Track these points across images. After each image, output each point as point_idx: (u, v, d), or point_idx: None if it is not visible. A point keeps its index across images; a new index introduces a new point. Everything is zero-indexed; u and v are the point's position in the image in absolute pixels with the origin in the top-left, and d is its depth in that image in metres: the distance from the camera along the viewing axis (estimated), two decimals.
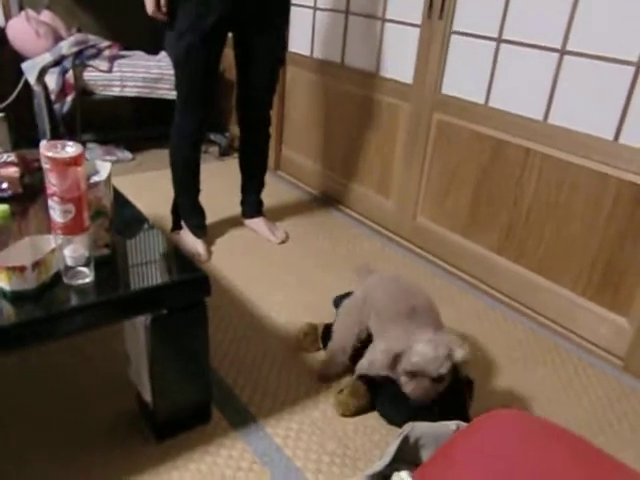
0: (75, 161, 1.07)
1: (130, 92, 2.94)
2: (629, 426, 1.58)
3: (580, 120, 1.82)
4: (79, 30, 3.01)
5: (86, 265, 1.20)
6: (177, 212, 2.36)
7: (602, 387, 1.72)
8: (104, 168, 1.28)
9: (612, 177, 1.76)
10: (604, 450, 0.78)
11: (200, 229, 2.33)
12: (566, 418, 1.57)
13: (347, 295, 1.72)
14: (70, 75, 2.75)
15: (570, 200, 1.88)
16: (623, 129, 1.73)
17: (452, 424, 1.14)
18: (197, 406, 1.44)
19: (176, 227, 2.38)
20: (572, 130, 1.84)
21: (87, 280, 1.20)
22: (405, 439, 1.08)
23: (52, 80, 2.72)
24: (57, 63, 2.73)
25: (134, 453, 1.35)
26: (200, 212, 2.35)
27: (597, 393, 1.70)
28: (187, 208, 2.33)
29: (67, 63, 2.73)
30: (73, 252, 1.17)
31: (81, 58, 2.78)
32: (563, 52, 1.82)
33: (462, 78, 2.16)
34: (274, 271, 2.22)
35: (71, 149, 1.08)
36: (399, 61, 2.39)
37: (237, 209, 2.56)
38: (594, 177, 1.80)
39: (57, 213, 1.11)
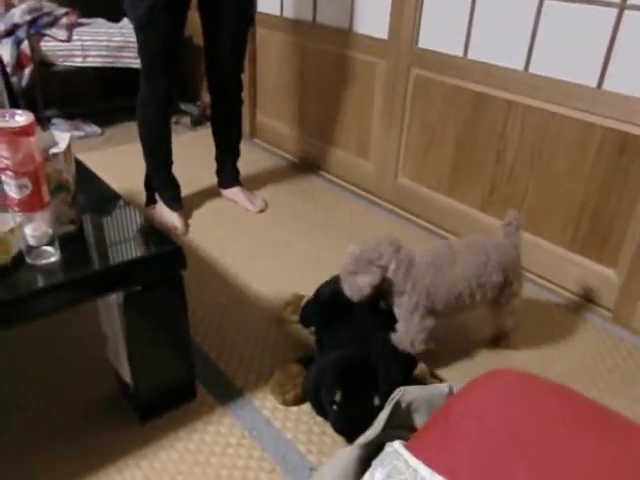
0: (26, 131, 0.99)
1: (93, 62, 2.80)
2: (620, 376, 1.57)
3: (562, 68, 1.76)
4: None
5: (50, 244, 1.12)
6: (150, 186, 2.27)
7: (592, 339, 1.71)
8: (63, 139, 1.20)
9: (596, 125, 1.71)
10: (603, 405, 0.75)
11: (175, 202, 2.25)
12: (558, 372, 1.56)
13: (331, 282, 1.55)
14: (26, 45, 2.60)
15: (554, 151, 1.83)
16: (607, 75, 1.67)
17: (444, 386, 1.10)
18: (181, 384, 1.39)
19: (150, 201, 2.29)
20: (554, 79, 1.78)
21: (52, 259, 1.12)
22: (397, 404, 1.04)
23: (6, 51, 2.57)
24: (10, 33, 2.57)
25: (118, 435, 1.30)
26: (174, 184, 2.27)
27: (587, 346, 1.68)
28: (160, 181, 2.24)
29: (21, 33, 2.57)
30: (34, 230, 1.09)
31: (36, 27, 2.62)
32: None
33: (439, 31, 2.07)
34: (254, 241, 2.16)
35: (21, 118, 1.00)
36: (373, 16, 2.29)
37: (213, 179, 2.48)
38: (578, 126, 1.75)
39: (12, 189, 1.03)
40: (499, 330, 1.62)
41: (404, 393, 1.09)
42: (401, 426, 1.08)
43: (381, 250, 1.37)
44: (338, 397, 1.26)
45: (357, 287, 1.38)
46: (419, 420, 1.09)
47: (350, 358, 1.32)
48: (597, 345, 1.69)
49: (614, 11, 1.60)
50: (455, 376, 1.52)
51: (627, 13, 1.58)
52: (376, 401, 1.25)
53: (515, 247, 1.52)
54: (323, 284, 1.59)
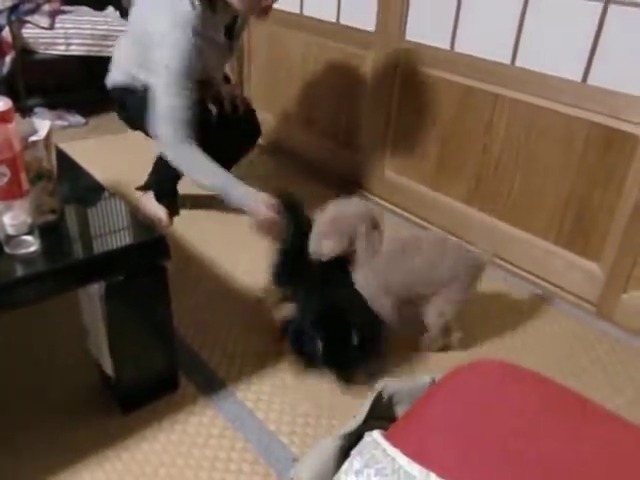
0: (3, 117, 0.97)
1: (77, 50, 2.76)
2: (602, 368, 1.58)
3: (548, 62, 1.76)
4: None
5: (30, 233, 1.10)
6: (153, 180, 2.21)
7: (576, 333, 1.72)
8: (43, 127, 1.18)
9: (582, 120, 1.71)
10: (585, 396, 0.76)
11: (172, 209, 2.19)
12: (541, 365, 1.56)
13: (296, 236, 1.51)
14: (6, 32, 2.54)
15: (540, 145, 1.84)
16: (592, 70, 1.67)
17: (427, 378, 1.10)
18: (163, 375, 1.38)
19: (147, 187, 2.24)
20: (540, 73, 1.78)
21: (32, 249, 1.11)
22: (378, 396, 1.04)
23: None
24: None
25: (99, 427, 1.29)
26: (175, 194, 2.21)
27: (571, 339, 1.70)
28: (165, 189, 2.18)
29: (1, 19, 2.52)
30: (13, 219, 1.08)
31: (17, 13, 2.57)
32: None
33: (426, 23, 2.07)
34: (238, 232, 2.14)
35: None
36: (360, 8, 2.28)
37: None
38: (564, 120, 1.76)
39: None
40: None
41: (386, 385, 1.09)
42: (383, 418, 1.08)
43: (356, 226, 1.39)
44: (320, 346, 1.34)
45: (321, 249, 1.41)
46: (401, 412, 1.09)
47: (325, 309, 1.39)
48: (580, 338, 1.70)
49: (599, 5, 1.60)
50: (437, 368, 1.52)
51: (612, 7, 1.58)
52: (355, 340, 1.35)
53: (478, 262, 1.51)
54: (288, 240, 1.55)
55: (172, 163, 1.74)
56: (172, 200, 2.20)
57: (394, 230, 2.19)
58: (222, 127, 1.99)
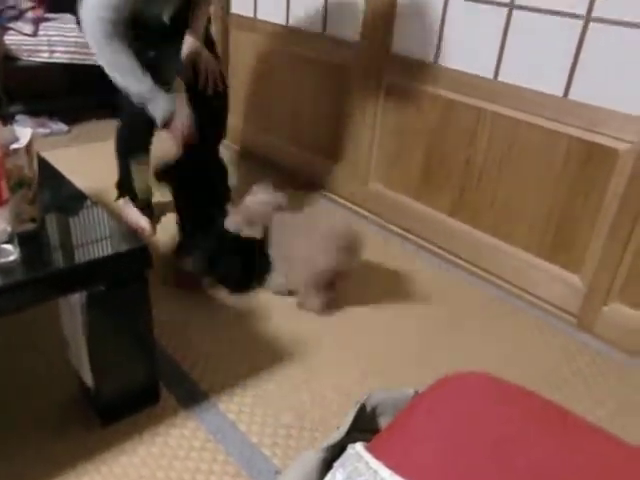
0: None
1: (60, 58, 2.74)
2: (583, 380, 1.59)
3: (530, 77, 1.79)
4: None
5: (9, 241, 1.09)
6: (122, 187, 2.21)
7: (557, 344, 1.74)
8: (24, 135, 1.16)
9: (563, 134, 1.74)
10: (566, 408, 0.76)
11: (146, 211, 2.19)
12: (523, 377, 1.56)
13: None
14: None
15: (522, 158, 1.86)
16: (572, 85, 1.70)
17: (410, 389, 1.10)
18: (144, 387, 1.36)
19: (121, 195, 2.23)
20: (522, 87, 1.81)
21: (11, 258, 1.09)
22: (362, 408, 1.03)
23: None
24: None
25: (78, 440, 1.27)
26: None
27: (552, 350, 1.71)
28: (132, 189, 2.17)
29: None
30: None
31: (0, 20, 2.55)
32: (512, 6, 1.77)
33: (411, 37, 2.09)
34: None
35: None
36: (346, 20, 2.30)
37: None
38: (545, 134, 1.78)
39: None
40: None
41: (369, 397, 1.09)
42: (366, 430, 1.08)
43: (266, 212, 1.78)
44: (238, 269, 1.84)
45: (234, 226, 1.78)
46: (384, 424, 1.08)
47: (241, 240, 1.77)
48: (561, 350, 1.71)
49: (580, 22, 1.63)
50: (420, 379, 1.52)
51: (592, 25, 1.61)
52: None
53: (346, 241, 1.74)
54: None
55: (99, 60, 1.68)
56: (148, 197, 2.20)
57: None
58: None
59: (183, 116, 1.74)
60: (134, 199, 2.17)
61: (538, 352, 1.70)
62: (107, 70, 1.67)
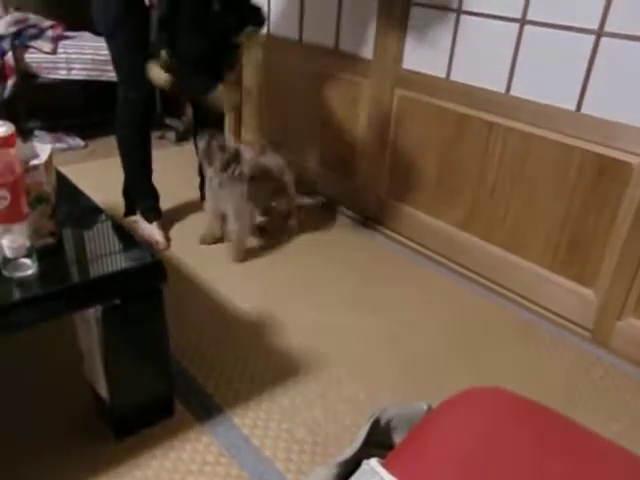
0: (6, 142, 0.98)
1: (78, 75, 2.79)
2: (597, 394, 1.58)
3: (542, 91, 1.79)
4: (17, 9, 2.83)
5: (28, 256, 1.11)
6: (129, 195, 2.26)
7: (571, 359, 1.72)
8: (44, 151, 1.19)
9: (576, 148, 1.74)
10: (581, 424, 0.76)
11: (152, 211, 2.23)
12: (537, 391, 1.55)
13: None
14: (9, 57, 2.58)
15: (534, 173, 1.86)
16: (585, 99, 1.70)
17: (424, 404, 1.09)
18: (158, 400, 1.37)
19: (129, 212, 2.27)
20: (535, 102, 1.81)
21: (29, 272, 1.11)
22: (376, 422, 1.03)
23: None
24: None
25: (92, 453, 1.28)
26: (153, 193, 2.25)
27: (566, 364, 1.69)
28: (138, 189, 2.22)
29: (5, 44, 2.56)
30: (12, 242, 1.08)
31: (21, 39, 2.61)
32: (524, 22, 1.78)
33: (423, 52, 2.11)
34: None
35: (1, 129, 0.99)
36: (358, 36, 2.33)
37: (196, 194, 2.47)
38: (558, 148, 1.78)
39: None
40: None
41: (383, 411, 1.09)
42: (380, 444, 1.07)
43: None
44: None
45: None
46: (398, 438, 1.08)
47: None
48: (575, 364, 1.70)
49: (592, 38, 1.64)
50: (433, 395, 1.52)
51: (604, 40, 1.62)
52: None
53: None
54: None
55: None
56: (153, 201, 2.24)
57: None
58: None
59: None
60: (143, 209, 2.23)
61: (552, 366, 1.68)
62: None
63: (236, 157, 2.00)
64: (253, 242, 2.22)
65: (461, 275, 2.13)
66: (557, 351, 1.75)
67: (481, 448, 0.69)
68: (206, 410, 1.42)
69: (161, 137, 3.19)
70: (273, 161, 2.24)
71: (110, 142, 3.08)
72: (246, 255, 2.12)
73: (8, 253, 1.08)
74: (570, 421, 0.75)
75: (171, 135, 3.26)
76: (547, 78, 1.77)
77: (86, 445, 1.30)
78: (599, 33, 1.62)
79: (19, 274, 1.10)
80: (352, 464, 0.93)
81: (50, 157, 1.18)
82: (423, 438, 0.72)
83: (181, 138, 3.25)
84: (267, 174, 2.17)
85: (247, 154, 2.06)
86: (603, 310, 1.76)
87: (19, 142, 1.06)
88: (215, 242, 2.18)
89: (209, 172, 2.05)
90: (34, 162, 1.14)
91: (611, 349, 1.76)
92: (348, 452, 0.95)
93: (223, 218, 2.12)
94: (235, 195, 2.03)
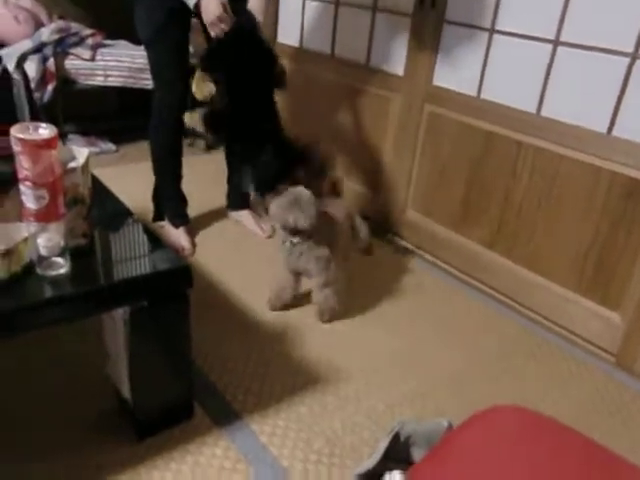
0: (49, 144, 1.01)
1: (114, 82, 2.86)
2: (621, 420, 1.55)
3: (573, 113, 1.79)
4: (61, 17, 2.93)
5: (61, 255, 1.14)
6: (158, 200, 2.30)
7: (594, 382, 1.70)
8: (81, 154, 1.22)
9: (605, 170, 1.73)
10: (606, 446, 0.75)
11: (180, 217, 2.26)
12: (559, 413, 1.53)
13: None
14: (51, 63, 2.66)
15: (562, 193, 1.85)
16: (617, 122, 1.69)
17: (444, 421, 1.09)
18: (179, 403, 1.39)
19: (158, 217, 2.31)
20: (565, 123, 1.81)
21: (62, 271, 1.14)
22: (395, 437, 1.03)
23: (32, 68, 2.64)
24: (37, 50, 2.65)
25: (113, 452, 1.30)
26: (181, 199, 2.28)
27: (589, 389, 1.67)
28: (167, 193, 2.26)
29: (48, 51, 2.64)
30: (47, 241, 1.11)
31: (62, 46, 2.69)
32: (557, 43, 1.78)
33: (454, 69, 2.12)
34: (260, 265, 2.16)
35: (44, 131, 1.02)
36: (390, 52, 2.35)
37: (224, 202, 2.50)
38: (586, 170, 1.77)
39: (29, 199, 1.05)
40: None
41: (403, 426, 1.09)
42: (399, 459, 1.07)
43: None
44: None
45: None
46: (417, 454, 1.08)
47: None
48: (599, 388, 1.67)
49: (626, 60, 1.63)
50: (452, 411, 1.51)
51: (639, 62, 1.61)
52: None
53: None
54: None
55: None
56: (181, 206, 2.28)
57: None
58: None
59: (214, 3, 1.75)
60: (171, 214, 2.27)
61: (575, 389, 1.66)
62: None
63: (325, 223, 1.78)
64: None
65: (484, 293, 2.11)
66: (580, 374, 1.73)
67: (503, 466, 0.68)
68: (225, 415, 1.43)
69: (191, 144, 3.24)
70: (340, 208, 1.95)
71: (141, 147, 3.16)
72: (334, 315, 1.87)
73: (43, 251, 1.11)
74: (595, 442, 0.75)
75: (201, 143, 3.31)
76: (579, 100, 1.77)
77: (106, 444, 1.31)
78: (634, 56, 1.61)
79: (52, 272, 1.13)
80: (370, 477, 0.93)
81: (87, 161, 1.22)
82: (446, 454, 0.72)
83: (211, 146, 3.30)
84: (335, 226, 1.88)
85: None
86: (628, 334, 1.74)
87: (59, 145, 1.09)
88: (286, 308, 1.90)
89: (283, 235, 1.79)
90: (72, 164, 1.17)
91: (636, 374, 1.73)
92: (366, 465, 0.95)
93: (297, 278, 1.87)
94: (316, 250, 1.77)
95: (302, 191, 1.74)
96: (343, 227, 1.93)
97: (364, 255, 2.16)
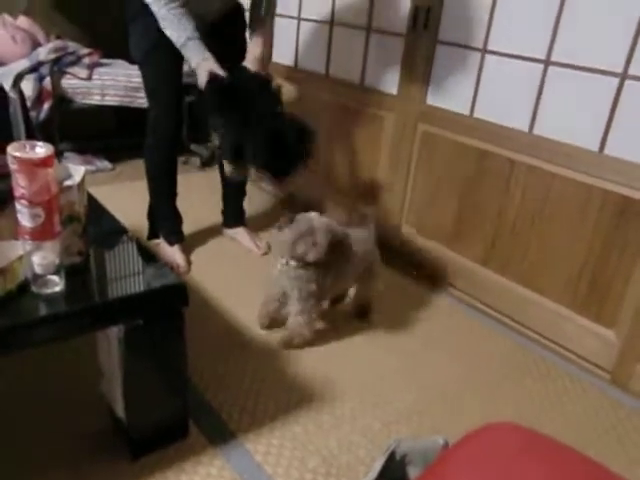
0: (45, 162, 1.02)
1: (111, 101, 2.88)
2: (617, 438, 1.55)
3: (565, 131, 1.81)
4: (58, 37, 2.96)
5: (56, 273, 1.14)
6: (153, 218, 2.30)
7: (589, 400, 1.70)
8: (78, 172, 1.23)
9: (596, 188, 1.75)
10: (602, 464, 0.75)
11: (175, 235, 2.26)
12: (553, 430, 1.53)
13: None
14: (47, 82, 2.68)
15: (555, 211, 1.87)
16: (608, 140, 1.72)
17: (439, 439, 1.09)
18: (174, 422, 1.38)
19: (153, 235, 2.31)
20: (557, 141, 1.83)
21: (57, 289, 1.14)
22: (391, 456, 1.03)
23: (28, 87, 2.66)
24: (34, 69, 2.67)
25: (107, 472, 1.28)
26: (176, 216, 2.29)
27: (584, 406, 1.67)
28: (162, 211, 2.26)
29: (44, 70, 2.66)
30: (42, 259, 1.11)
31: (59, 65, 2.71)
32: (548, 63, 1.81)
33: (447, 89, 2.15)
34: (255, 283, 2.16)
35: (41, 150, 1.03)
36: (384, 72, 2.38)
37: (219, 219, 2.51)
38: (579, 188, 1.79)
39: (25, 217, 1.06)
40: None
41: (399, 444, 1.08)
42: (395, 478, 1.07)
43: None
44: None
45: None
46: (413, 473, 1.07)
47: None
48: (594, 406, 1.67)
49: (615, 80, 1.66)
50: (449, 428, 1.50)
51: (628, 83, 1.64)
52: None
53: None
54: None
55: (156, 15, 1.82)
56: (175, 224, 2.27)
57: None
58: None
59: (210, 62, 1.81)
60: (166, 232, 2.27)
61: (569, 407, 1.66)
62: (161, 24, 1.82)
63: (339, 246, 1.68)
64: None
65: (479, 310, 2.12)
66: (575, 391, 1.73)
67: None
68: (220, 434, 1.42)
69: (185, 162, 3.26)
70: (360, 236, 1.82)
71: (136, 165, 3.17)
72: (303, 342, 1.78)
73: (38, 269, 1.11)
74: (590, 459, 0.75)
75: (195, 160, 3.32)
76: (570, 118, 1.79)
77: (100, 463, 1.30)
78: (623, 76, 1.64)
79: (47, 290, 1.13)
80: None
81: (83, 179, 1.22)
82: (442, 473, 0.72)
83: (205, 164, 3.31)
84: (348, 253, 1.75)
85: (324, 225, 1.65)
86: (623, 352, 1.74)
87: (55, 163, 1.10)
88: (277, 326, 1.85)
89: (280, 261, 1.72)
90: (68, 183, 1.18)
91: (631, 392, 1.73)
92: None
93: (280, 302, 1.80)
94: (304, 281, 1.68)
95: (318, 219, 1.64)
96: (358, 263, 1.77)
97: (356, 318, 1.96)
